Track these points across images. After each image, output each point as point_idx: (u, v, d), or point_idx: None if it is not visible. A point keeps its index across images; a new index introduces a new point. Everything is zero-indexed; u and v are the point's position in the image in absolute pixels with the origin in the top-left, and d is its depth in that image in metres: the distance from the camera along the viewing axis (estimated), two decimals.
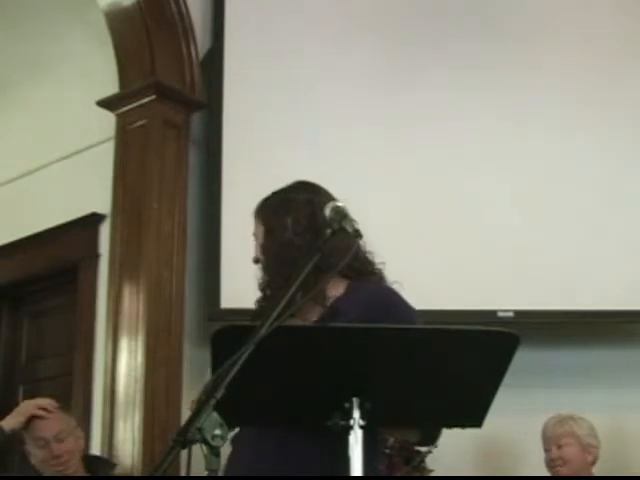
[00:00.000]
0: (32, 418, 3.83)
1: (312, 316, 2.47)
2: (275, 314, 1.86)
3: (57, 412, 3.95)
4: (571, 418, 4.32)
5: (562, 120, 5.10)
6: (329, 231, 2.15)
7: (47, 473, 3.78)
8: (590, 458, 4.28)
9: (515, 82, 5.12)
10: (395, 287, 2.56)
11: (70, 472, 3.79)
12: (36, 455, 3.79)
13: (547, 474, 4.33)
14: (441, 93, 5.10)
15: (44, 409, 3.87)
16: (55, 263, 5.48)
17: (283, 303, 1.91)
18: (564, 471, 4.24)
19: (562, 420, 4.32)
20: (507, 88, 5.12)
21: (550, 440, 4.31)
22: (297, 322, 2.36)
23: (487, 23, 5.20)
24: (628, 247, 4.96)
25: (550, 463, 4.30)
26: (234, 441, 2.41)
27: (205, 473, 1.63)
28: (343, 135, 4.99)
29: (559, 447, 4.27)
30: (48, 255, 5.49)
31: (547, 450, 4.32)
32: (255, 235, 2.67)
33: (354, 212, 2.21)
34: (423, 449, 4.41)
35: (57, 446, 3.78)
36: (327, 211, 2.19)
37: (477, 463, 4.92)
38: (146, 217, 4.75)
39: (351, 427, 1.94)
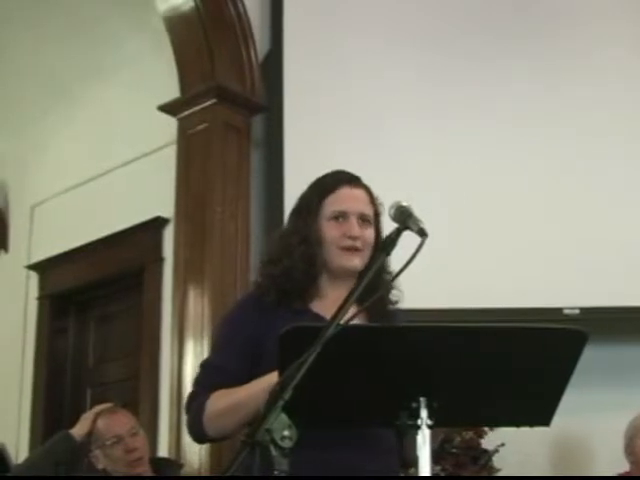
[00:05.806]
0: (99, 421, 3.88)
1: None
2: (341, 314, 1.86)
3: (123, 410, 4.02)
4: None
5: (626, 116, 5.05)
6: (394, 230, 2.09)
7: (119, 473, 3.81)
8: None
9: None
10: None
11: (140, 471, 3.82)
12: (110, 455, 3.82)
13: (615, 474, 4.27)
14: (497, 89, 5.08)
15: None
16: (120, 267, 5.54)
17: (350, 302, 1.90)
18: None
19: None
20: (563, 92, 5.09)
21: None
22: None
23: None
24: None
25: None
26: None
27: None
28: (405, 136, 4.97)
29: None
30: (113, 259, 5.55)
31: None
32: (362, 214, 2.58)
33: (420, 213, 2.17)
34: (490, 448, 4.40)
35: (131, 440, 3.82)
36: (391, 211, 2.13)
37: (544, 462, 4.88)
38: (209, 220, 4.78)
39: (419, 427, 1.94)
